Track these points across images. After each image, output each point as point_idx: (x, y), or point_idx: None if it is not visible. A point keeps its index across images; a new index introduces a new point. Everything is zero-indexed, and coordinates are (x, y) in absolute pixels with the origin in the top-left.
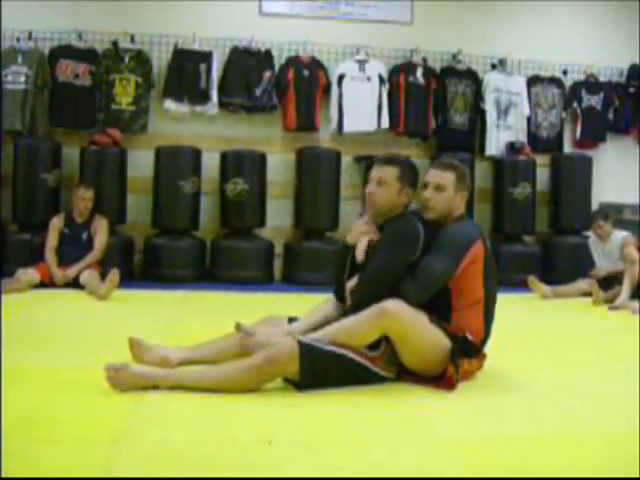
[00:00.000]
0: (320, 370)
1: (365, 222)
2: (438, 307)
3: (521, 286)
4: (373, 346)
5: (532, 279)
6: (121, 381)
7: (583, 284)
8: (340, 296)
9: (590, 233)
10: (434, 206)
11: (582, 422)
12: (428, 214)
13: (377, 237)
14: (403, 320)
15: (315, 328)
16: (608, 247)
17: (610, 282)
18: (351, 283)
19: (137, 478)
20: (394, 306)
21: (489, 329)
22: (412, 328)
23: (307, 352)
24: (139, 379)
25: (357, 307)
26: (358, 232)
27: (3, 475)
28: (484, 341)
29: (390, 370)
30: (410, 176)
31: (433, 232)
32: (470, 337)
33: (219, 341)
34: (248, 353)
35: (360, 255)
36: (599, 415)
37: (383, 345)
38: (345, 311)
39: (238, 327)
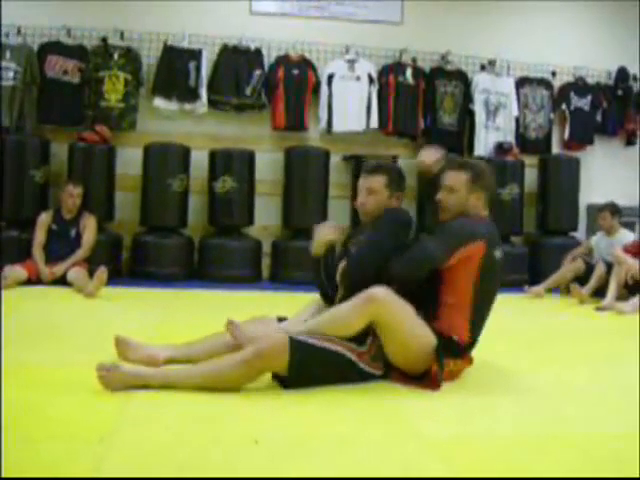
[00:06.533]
0: (309, 364)
1: (331, 226)
2: (426, 298)
3: (508, 286)
4: (359, 341)
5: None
6: (112, 381)
7: (570, 265)
8: (325, 295)
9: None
10: (447, 207)
11: (570, 422)
12: (443, 215)
13: (343, 236)
14: (391, 307)
15: None
16: (612, 242)
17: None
18: (341, 266)
19: (126, 478)
20: (382, 293)
21: (477, 334)
22: (399, 317)
23: (296, 346)
24: (129, 378)
25: (351, 287)
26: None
27: (3, 475)
28: (471, 344)
29: (376, 367)
30: (398, 181)
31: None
32: (456, 339)
33: (207, 340)
34: (237, 350)
35: (320, 249)
36: (587, 416)
37: (369, 341)
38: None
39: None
